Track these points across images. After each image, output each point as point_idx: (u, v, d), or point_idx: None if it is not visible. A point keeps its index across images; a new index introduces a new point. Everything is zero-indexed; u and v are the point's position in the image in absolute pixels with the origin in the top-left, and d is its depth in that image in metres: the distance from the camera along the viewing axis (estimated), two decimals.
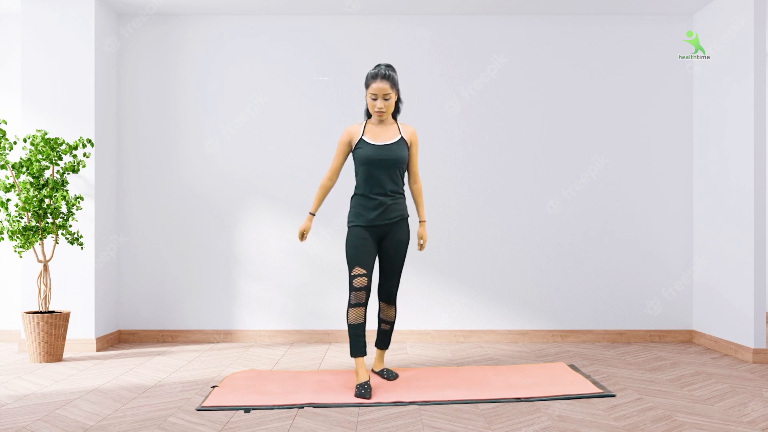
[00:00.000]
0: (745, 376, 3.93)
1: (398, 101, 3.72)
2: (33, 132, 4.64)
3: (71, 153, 4.42)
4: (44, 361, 4.30)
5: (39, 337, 4.27)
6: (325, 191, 3.75)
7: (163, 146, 5.07)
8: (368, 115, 3.75)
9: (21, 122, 4.70)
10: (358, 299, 3.54)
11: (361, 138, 3.66)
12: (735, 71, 4.51)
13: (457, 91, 5.05)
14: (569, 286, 5.04)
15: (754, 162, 4.33)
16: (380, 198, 3.63)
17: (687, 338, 5.02)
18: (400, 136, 3.68)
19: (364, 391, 3.42)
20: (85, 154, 4.50)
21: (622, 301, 5.04)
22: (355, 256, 3.60)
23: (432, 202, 5.02)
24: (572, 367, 4.10)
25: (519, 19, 5.06)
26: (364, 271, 3.56)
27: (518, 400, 3.36)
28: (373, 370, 3.92)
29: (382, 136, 3.67)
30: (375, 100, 3.61)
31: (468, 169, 5.05)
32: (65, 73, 4.67)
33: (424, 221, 3.85)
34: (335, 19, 5.06)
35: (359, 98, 5.02)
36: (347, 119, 5.01)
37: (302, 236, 3.73)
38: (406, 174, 3.83)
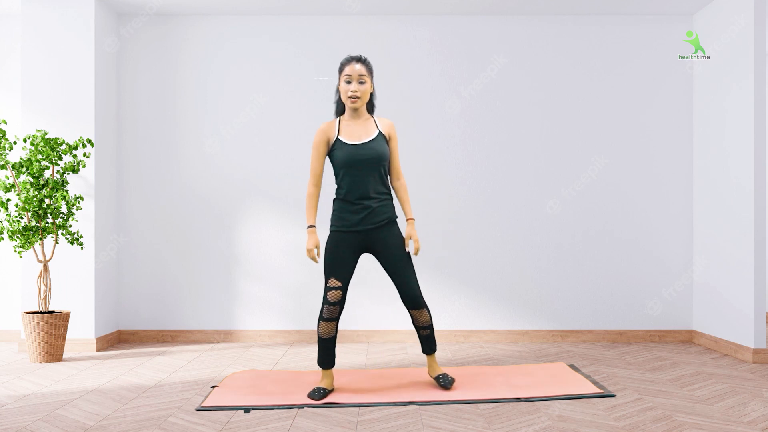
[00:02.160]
0: (745, 376, 3.93)
1: (372, 95, 3.52)
2: (33, 132, 4.64)
3: (71, 153, 4.42)
4: (44, 361, 4.30)
5: (39, 337, 4.27)
6: (315, 200, 3.47)
7: (163, 146, 5.07)
8: (340, 112, 3.52)
9: (21, 122, 4.70)
10: (330, 314, 3.41)
11: (336, 138, 3.43)
12: (735, 71, 4.51)
13: (457, 91, 5.06)
14: (569, 286, 5.04)
15: (754, 162, 4.33)
16: (364, 202, 3.41)
17: (687, 338, 5.02)
18: (378, 132, 3.46)
19: (317, 394, 3.38)
20: (85, 154, 4.50)
21: (622, 301, 5.04)
22: (332, 267, 3.40)
23: (432, 202, 5.02)
24: (572, 367, 4.10)
25: (519, 19, 5.06)
26: (340, 284, 3.39)
27: (518, 400, 3.36)
28: (431, 376, 3.63)
29: (359, 133, 3.44)
30: (349, 83, 3.40)
31: (468, 169, 5.05)
32: (65, 73, 4.67)
33: (412, 219, 3.52)
34: (335, 19, 5.06)
35: None
36: None
37: (314, 253, 3.42)
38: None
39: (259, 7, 4.91)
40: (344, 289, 3.42)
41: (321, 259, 5.00)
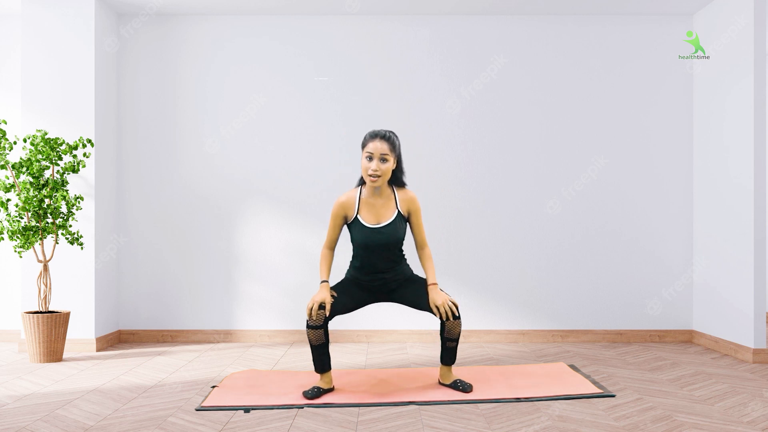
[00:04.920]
0: (745, 376, 3.93)
1: (399, 171, 3.45)
2: (33, 132, 4.64)
3: (71, 153, 4.42)
4: (44, 361, 4.30)
5: (39, 337, 4.27)
6: (329, 260, 3.49)
7: (163, 146, 5.07)
8: (363, 182, 3.46)
9: (21, 122, 4.70)
10: (314, 323, 3.34)
11: (355, 216, 3.42)
12: (735, 71, 4.51)
13: (457, 91, 5.05)
14: (569, 286, 5.04)
15: (754, 162, 4.33)
16: (377, 275, 3.50)
17: (687, 338, 5.02)
18: (396, 213, 3.43)
19: (311, 392, 3.37)
20: (85, 154, 4.50)
21: (622, 301, 5.04)
22: (335, 290, 3.47)
23: (432, 202, 5.02)
24: (572, 367, 4.10)
25: (519, 19, 5.06)
26: (326, 313, 3.32)
27: (518, 400, 3.36)
28: (441, 383, 3.61)
29: (377, 214, 3.42)
30: (370, 161, 3.32)
31: (468, 169, 5.05)
32: (65, 73, 4.67)
33: (435, 284, 3.43)
34: (335, 19, 5.06)
35: (359, 98, 5.02)
36: (347, 119, 5.01)
37: (317, 307, 3.32)
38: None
39: (259, 7, 4.91)
40: (329, 317, 3.36)
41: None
